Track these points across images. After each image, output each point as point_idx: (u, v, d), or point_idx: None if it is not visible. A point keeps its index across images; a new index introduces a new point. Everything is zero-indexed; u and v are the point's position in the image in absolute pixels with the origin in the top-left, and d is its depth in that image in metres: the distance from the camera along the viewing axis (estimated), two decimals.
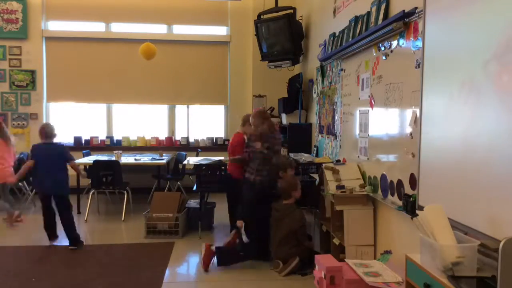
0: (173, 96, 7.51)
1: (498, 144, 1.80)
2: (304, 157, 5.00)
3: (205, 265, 3.79)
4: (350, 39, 3.96)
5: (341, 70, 4.43)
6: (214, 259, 3.85)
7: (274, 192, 3.98)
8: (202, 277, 3.75)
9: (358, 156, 3.85)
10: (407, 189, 2.86)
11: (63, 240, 4.86)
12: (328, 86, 5.00)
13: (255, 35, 6.44)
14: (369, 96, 3.60)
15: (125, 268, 3.85)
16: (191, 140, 7.60)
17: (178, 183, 6.76)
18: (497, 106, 1.81)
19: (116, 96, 7.43)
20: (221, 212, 5.55)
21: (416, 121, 2.65)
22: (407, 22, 2.89)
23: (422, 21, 2.52)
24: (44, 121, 7.25)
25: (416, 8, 2.75)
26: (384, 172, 3.28)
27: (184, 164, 6.40)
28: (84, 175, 5.09)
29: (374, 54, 3.51)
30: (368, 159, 3.64)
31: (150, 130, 7.56)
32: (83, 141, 7.35)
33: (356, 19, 3.92)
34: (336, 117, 4.59)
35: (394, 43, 3.12)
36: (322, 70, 5.23)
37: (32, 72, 7.18)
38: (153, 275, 3.69)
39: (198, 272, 3.85)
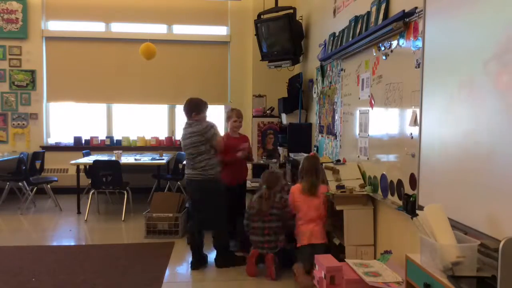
0: (173, 96, 7.50)
1: (498, 144, 1.80)
2: (304, 157, 4.99)
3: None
4: (350, 39, 3.96)
5: (341, 70, 4.43)
6: None
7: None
8: (202, 277, 3.75)
9: (358, 156, 3.85)
10: (407, 189, 2.86)
11: (63, 240, 4.87)
12: (328, 86, 5.00)
13: (255, 35, 6.43)
14: (369, 96, 3.60)
15: (125, 268, 3.85)
16: None
17: (178, 183, 6.76)
18: (497, 106, 1.81)
19: (116, 96, 7.43)
20: None
21: (416, 121, 2.65)
22: (407, 22, 2.88)
23: (422, 21, 2.51)
24: (44, 121, 7.28)
25: (416, 8, 2.75)
26: (384, 172, 3.28)
27: (184, 164, 6.40)
28: None
29: (374, 54, 3.51)
30: (368, 159, 3.64)
31: (150, 130, 7.56)
32: (83, 141, 7.35)
33: (356, 19, 3.92)
34: (336, 117, 4.59)
35: (394, 43, 3.12)
36: (322, 70, 5.23)
37: (32, 72, 7.18)
38: (153, 275, 3.69)
39: (198, 272, 3.85)
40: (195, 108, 4.00)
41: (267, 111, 7.07)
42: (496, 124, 1.81)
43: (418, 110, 2.55)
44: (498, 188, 1.79)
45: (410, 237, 2.85)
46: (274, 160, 6.14)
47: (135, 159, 6.24)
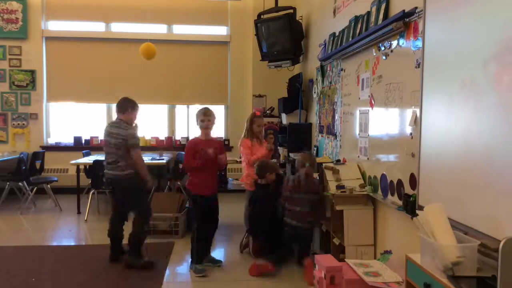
0: (173, 96, 7.51)
1: (498, 144, 1.80)
2: None
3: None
4: (350, 39, 3.96)
5: (341, 70, 4.43)
6: None
7: None
8: (202, 277, 3.75)
9: (358, 156, 3.85)
10: (407, 189, 2.86)
11: (63, 240, 4.87)
12: (328, 86, 5.00)
13: (255, 35, 6.43)
14: (369, 96, 3.60)
15: (125, 268, 3.84)
16: None
17: (178, 183, 6.75)
18: (497, 106, 1.81)
19: (116, 96, 7.34)
20: (220, 211, 5.53)
21: (416, 121, 2.65)
22: (407, 22, 2.88)
23: (422, 21, 2.52)
24: (44, 121, 7.28)
25: (416, 8, 2.75)
26: (384, 172, 3.28)
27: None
28: None
29: (374, 54, 3.51)
30: (368, 159, 3.64)
31: (150, 130, 7.56)
32: (83, 141, 7.35)
33: (356, 19, 3.92)
34: (336, 117, 4.59)
35: (394, 43, 3.12)
36: (322, 70, 5.23)
37: (32, 72, 7.18)
38: (153, 275, 3.69)
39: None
40: (128, 107, 4.34)
41: (267, 111, 7.07)
42: (496, 124, 1.81)
43: (418, 110, 2.56)
44: (498, 188, 1.79)
45: (410, 237, 2.85)
46: (274, 160, 6.13)
47: None
